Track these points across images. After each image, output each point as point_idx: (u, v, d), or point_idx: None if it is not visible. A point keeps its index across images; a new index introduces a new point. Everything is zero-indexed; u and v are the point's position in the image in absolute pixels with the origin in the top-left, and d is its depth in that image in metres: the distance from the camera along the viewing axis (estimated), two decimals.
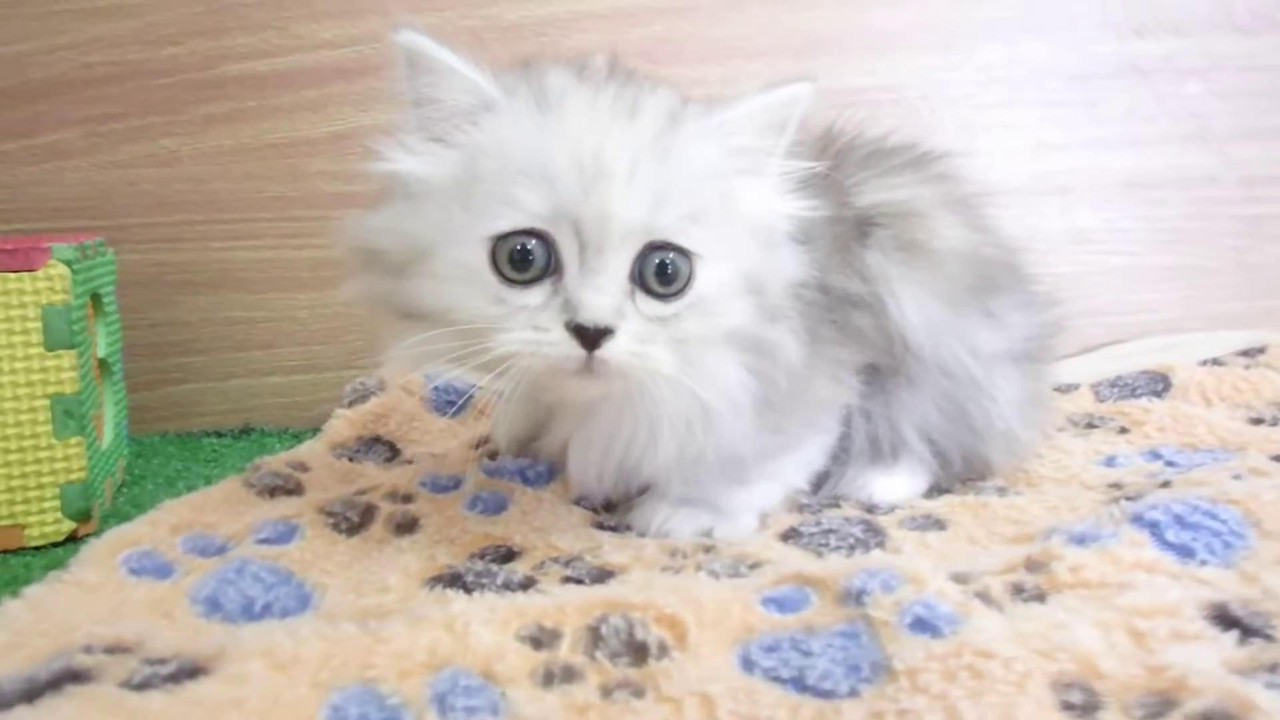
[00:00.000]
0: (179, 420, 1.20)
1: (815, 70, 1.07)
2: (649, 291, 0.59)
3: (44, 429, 0.82)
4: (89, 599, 0.58)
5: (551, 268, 0.58)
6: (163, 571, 0.62)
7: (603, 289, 0.57)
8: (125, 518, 0.83)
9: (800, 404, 0.68)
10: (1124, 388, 1.03)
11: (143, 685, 0.45)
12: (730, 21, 1.15)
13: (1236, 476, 0.71)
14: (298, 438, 1.11)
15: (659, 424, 0.63)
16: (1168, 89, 1.17)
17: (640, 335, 0.58)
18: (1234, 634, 0.49)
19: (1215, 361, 1.07)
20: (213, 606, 0.58)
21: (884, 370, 0.75)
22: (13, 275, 0.80)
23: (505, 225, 0.57)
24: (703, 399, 0.61)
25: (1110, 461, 0.83)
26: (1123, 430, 0.91)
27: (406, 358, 0.63)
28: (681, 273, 0.59)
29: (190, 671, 0.47)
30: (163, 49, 1.15)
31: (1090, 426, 0.94)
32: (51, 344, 0.82)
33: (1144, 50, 1.16)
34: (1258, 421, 0.91)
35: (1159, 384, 1.02)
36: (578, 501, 0.77)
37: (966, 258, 0.77)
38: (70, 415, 0.83)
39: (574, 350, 0.56)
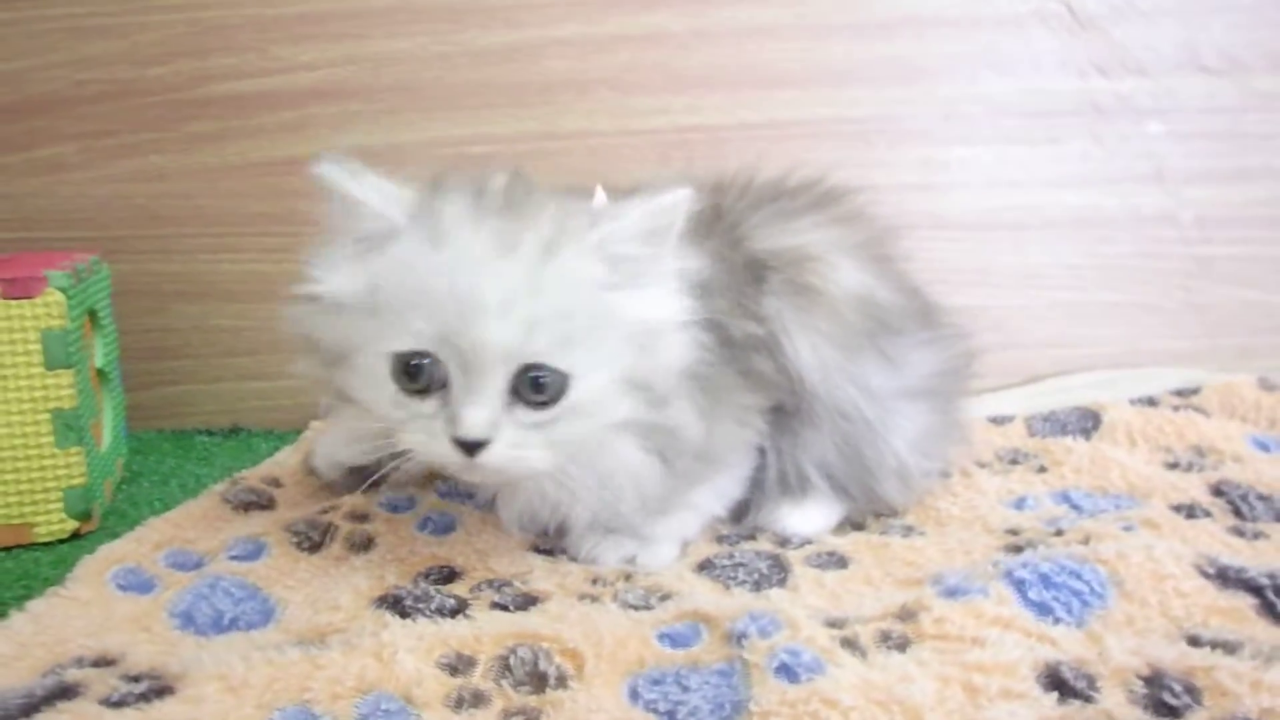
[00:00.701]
0: (173, 419, 1.31)
1: (777, 102, 1.18)
2: (526, 402, 0.67)
3: (46, 440, 0.94)
4: (82, 613, 0.68)
5: (441, 383, 0.67)
6: (145, 587, 0.73)
7: (480, 405, 0.66)
8: (123, 515, 0.99)
9: (707, 447, 0.75)
10: (1055, 423, 1.10)
11: (119, 703, 0.56)
12: (696, 51, 1.21)
13: (1128, 527, 0.79)
14: (282, 438, 1.23)
15: (572, 493, 0.75)
16: (1128, 128, 1.22)
17: (515, 442, 0.67)
18: (1055, 695, 0.56)
19: (1149, 401, 1.14)
20: (187, 620, 0.69)
21: (788, 409, 0.81)
22: (14, 302, 0.91)
23: (400, 346, 0.66)
24: (577, 486, 0.73)
25: (1020, 504, 0.89)
26: (1041, 469, 0.97)
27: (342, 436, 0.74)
28: (553, 386, 0.67)
29: (159, 690, 0.57)
30: (150, 68, 1.24)
31: (1013, 463, 1.00)
32: (51, 364, 0.93)
33: (1105, 88, 1.21)
34: (1173, 466, 0.97)
35: (1089, 421, 1.09)
36: None
37: (861, 302, 0.82)
38: (70, 427, 0.94)
39: (457, 456, 0.66)
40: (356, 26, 1.23)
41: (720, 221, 0.82)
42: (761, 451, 0.83)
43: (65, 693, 0.57)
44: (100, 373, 1.09)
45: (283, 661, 0.60)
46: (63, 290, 0.93)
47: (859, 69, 1.22)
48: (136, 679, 0.59)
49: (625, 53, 1.22)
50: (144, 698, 0.56)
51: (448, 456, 0.67)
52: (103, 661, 0.62)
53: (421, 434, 0.67)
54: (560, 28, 1.22)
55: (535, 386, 0.66)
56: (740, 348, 0.77)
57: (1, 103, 1.26)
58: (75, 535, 0.96)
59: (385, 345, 0.67)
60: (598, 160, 1.24)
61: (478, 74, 1.23)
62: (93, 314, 1.05)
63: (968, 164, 1.24)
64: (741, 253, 0.81)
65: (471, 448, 0.66)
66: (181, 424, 1.31)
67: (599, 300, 0.68)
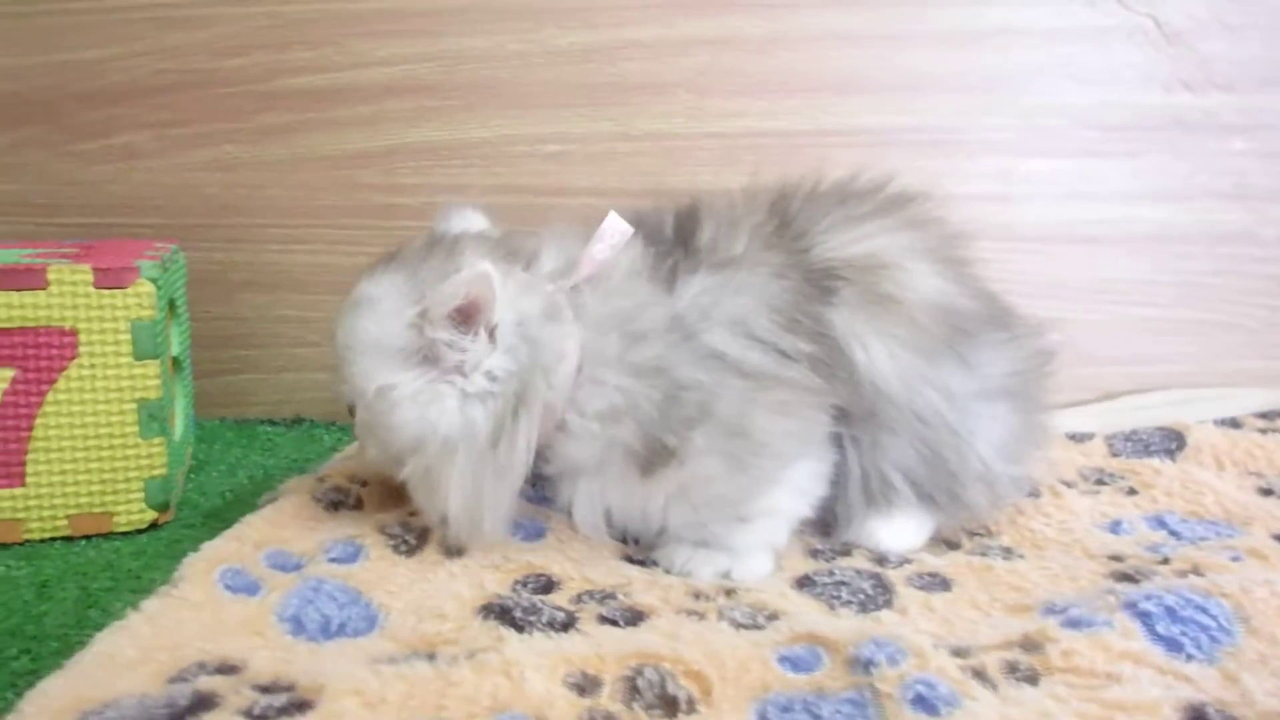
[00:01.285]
0: (237, 408, 1.31)
1: (853, 109, 1.17)
2: None
3: (131, 430, 0.93)
4: (195, 615, 0.67)
5: None
6: (252, 589, 0.72)
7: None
8: (195, 505, 1.00)
9: (759, 438, 0.76)
10: (1138, 443, 1.08)
11: (261, 717, 0.55)
12: (774, 56, 1.20)
13: (1235, 558, 0.78)
14: (344, 430, 1.23)
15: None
16: (1211, 144, 1.20)
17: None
18: None
19: (1232, 422, 1.12)
20: (297, 626, 0.68)
21: (859, 415, 0.80)
22: (105, 292, 0.90)
23: None
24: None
25: (1115, 527, 0.88)
26: (1131, 491, 0.96)
27: None
28: None
29: (299, 705, 0.56)
30: (228, 60, 1.24)
31: (1100, 483, 0.99)
32: (139, 354, 0.92)
33: (1190, 103, 1.19)
34: (1267, 493, 0.95)
35: (1173, 442, 1.07)
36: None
37: (939, 308, 0.81)
38: (154, 418, 0.94)
39: None
40: (433, 24, 1.22)
41: (787, 230, 0.82)
42: (840, 450, 0.82)
43: (204, 703, 0.56)
44: (175, 360, 1.07)
45: (415, 677, 0.58)
46: (153, 280, 0.92)
47: (938, 77, 1.20)
48: (269, 689, 0.58)
49: (702, 56, 1.21)
50: (285, 711, 0.55)
51: None
52: (226, 668, 0.61)
53: None
54: (637, 29, 1.20)
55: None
56: (778, 362, 0.76)
57: (79, 90, 1.25)
58: (152, 525, 0.95)
59: None
60: (671, 162, 1.23)
61: (553, 73, 1.22)
62: (171, 302, 1.04)
63: (1045, 176, 1.22)
64: (806, 264, 0.80)
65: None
66: (245, 413, 1.31)
67: None
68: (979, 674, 0.61)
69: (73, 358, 0.90)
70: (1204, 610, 0.66)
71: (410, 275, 0.78)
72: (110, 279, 0.90)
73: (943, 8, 1.19)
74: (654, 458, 0.75)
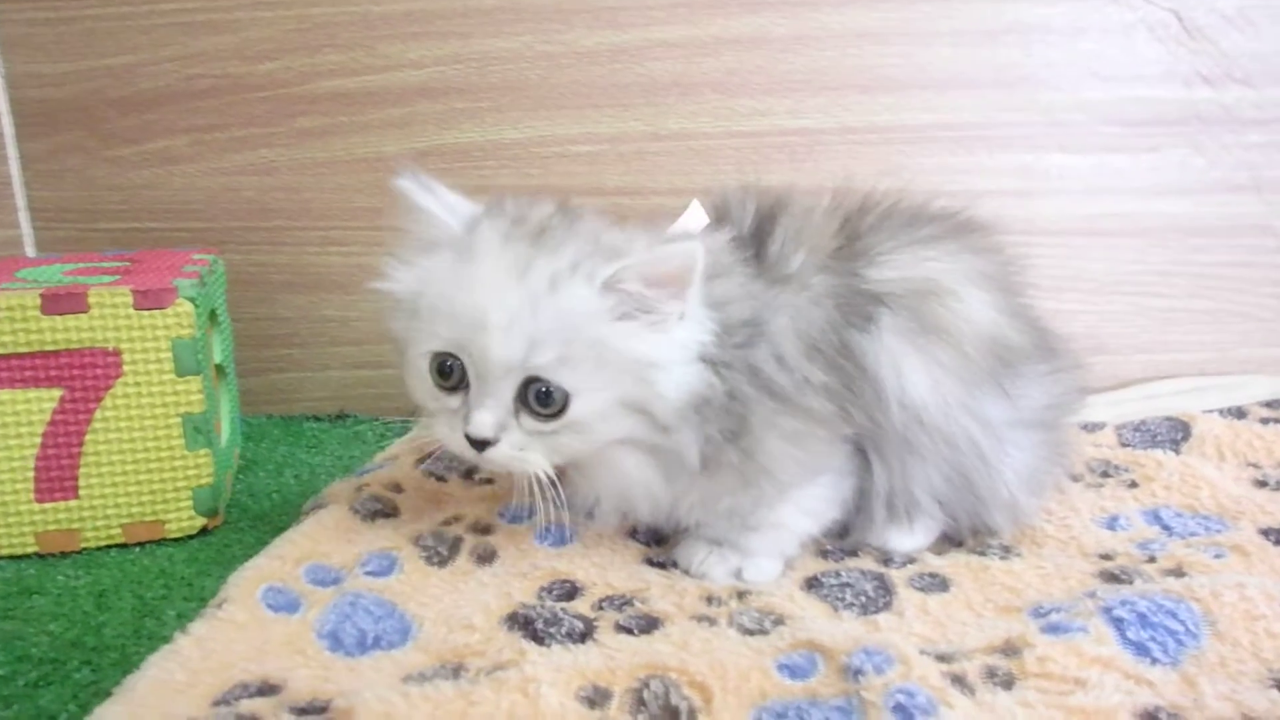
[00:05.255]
0: (283, 405, 1.41)
1: (878, 106, 1.23)
2: (532, 411, 0.77)
3: (177, 442, 1.01)
4: (240, 636, 0.76)
5: (465, 384, 0.78)
6: (292, 606, 0.80)
7: (488, 409, 0.76)
8: (245, 508, 1.09)
9: (764, 464, 0.82)
10: (1146, 433, 1.15)
11: None
12: (799, 55, 1.25)
13: (1219, 555, 0.86)
14: (388, 426, 1.34)
15: (625, 485, 0.85)
16: (1229, 138, 1.25)
17: (518, 444, 0.78)
18: None
19: (1238, 412, 1.18)
20: (335, 642, 0.76)
21: (880, 439, 0.85)
22: (146, 313, 0.98)
23: (434, 347, 0.78)
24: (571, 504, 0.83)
25: (1112, 523, 0.95)
26: (1132, 484, 1.03)
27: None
28: (556, 400, 0.76)
29: None
30: (260, 64, 1.31)
31: (1105, 475, 1.06)
32: (181, 371, 1.00)
33: (1210, 98, 1.24)
34: (1261, 485, 1.02)
35: (1178, 432, 1.14)
36: (632, 534, 0.95)
37: (988, 340, 0.85)
38: (199, 430, 1.02)
39: (469, 450, 0.78)
40: (463, 25, 1.28)
41: (852, 247, 0.86)
42: (864, 474, 0.88)
43: None
44: (218, 368, 1.16)
45: (439, 698, 0.66)
46: (191, 300, 1.00)
47: (961, 75, 1.26)
48: (305, 711, 0.66)
49: (729, 55, 1.27)
50: None
51: (462, 449, 0.78)
52: (267, 689, 0.69)
53: (445, 427, 0.79)
54: (664, 29, 1.26)
55: (539, 398, 0.76)
56: (797, 389, 0.81)
57: (115, 96, 1.33)
58: (203, 530, 1.04)
59: (424, 344, 0.78)
60: (700, 161, 1.29)
61: (582, 74, 1.28)
62: (212, 313, 1.12)
63: (1066, 171, 1.27)
64: (856, 287, 0.84)
65: (480, 445, 0.77)
66: (290, 410, 1.40)
67: (599, 330, 0.76)
68: (959, 680, 0.68)
69: (117, 376, 0.98)
70: (1174, 615, 0.73)
71: (590, 237, 0.79)
72: (150, 300, 0.98)
73: (965, 5, 1.24)
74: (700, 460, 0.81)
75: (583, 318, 0.75)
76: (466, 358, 0.76)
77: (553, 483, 0.80)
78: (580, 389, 0.76)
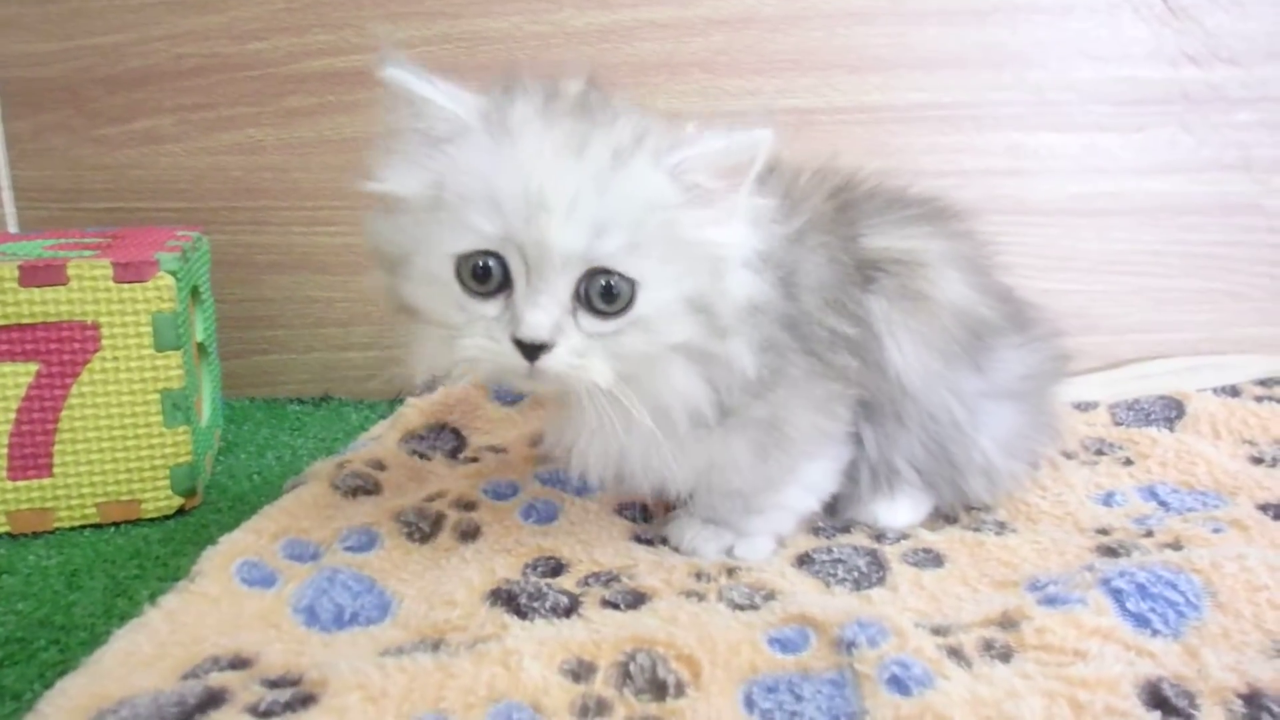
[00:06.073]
0: (266, 387, 1.36)
1: (867, 86, 1.19)
2: (593, 309, 0.66)
3: (155, 419, 0.97)
4: (213, 609, 0.72)
5: (505, 285, 0.67)
6: (268, 581, 0.76)
7: (543, 308, 0.65)
8: (224, 489, 1.04)
9: (789, 434, 0.78)
10: (1139, 412, 1.12)
11: (267, 713, 0.59)
12: (787, 34, 1.22)
13: (1217, 529, 0.82)
14: (372, 408, 1.29)
15: (631, 437, 0.75)
16: (1217, 117, 1.22)
17: (578, 349, 0.67)
18: (1158, 714, 0.58)
19: (1232, 390, 1.15)
20: (311, 616, 0.72)
21: (877, 405, 0.83)
22: (125, 286, 0.94)
23: (465, 246, 0.66)
24: (639, 411, 0.70)
25: (1108, 499, 0.92)
26: (1128, 462, 1.00)
27: (409, 357, 0.75)
28: (623, 294, 0.66)
29: (303, 699, 0.60)
30: (248, 44, 1.27)
31: (1099, 453, 1.03)
32: (161, 346, 0.96)
33: (1197, 77, 1.21)
34: (1258, 461, 0.99)
35: (1173, 410, 1.11)
36: (620, 511, 0.91)
37: (963, 314, 0.84)
38: (178, 407, 0.98)
39: (518, 361, 0.66)
40: (452, 6, 1.25)
41: (843, 216, 0.84)
42: (857, 443, 0.85)
43: (214, 700, 0.60)
44: (200, 346, 1.12)
45: (416, 670, 0.62)
46: (173, 273, 0.96)
47: (949, 54, 1.23)
48: (276, 684, 0.62)
49: (717, 35, 1.23)
50: (289, 707, 0.59)
51: (508, 360, 0.67)
52: (239, 663, 0.65)
53: (482, 337, 0.67)
54: (653, 10, 1.23)
55: (604, 293, 0.66)
56: (830, 341, 0.78)
57: (101, 75, 1.29)
58: (180, 511, 1.00)
59: (448, 245, 0.66)
60: None
61: (571, 54, 1.25)
62: (194, 290, 1.08)
63: (1056, 150, 1.25)
64: (854, 252, 0.82)
65: (533, 351, 0.66)
66: (274, 392, 1.36)
67: (669, 216, 0.67)
68: (955, 652, 0.65)
69: (95, 351, 0.94)
70: (1173, 586, 0.70)
71: (640, 114, 0.71)
72: (130, 273, 0.94)
73: None
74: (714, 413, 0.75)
75: (653, 199, 0.66)
76: (513, 251, 0.65)
77: (613, 398, 0.70)
78: (649, 281, 0.66)
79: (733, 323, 0.70)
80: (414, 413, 1.11)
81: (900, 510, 0.89)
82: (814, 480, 0.85)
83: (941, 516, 0.90)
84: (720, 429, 0.76)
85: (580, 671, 0.64)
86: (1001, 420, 0.87)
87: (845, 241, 0.82)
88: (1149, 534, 0.83)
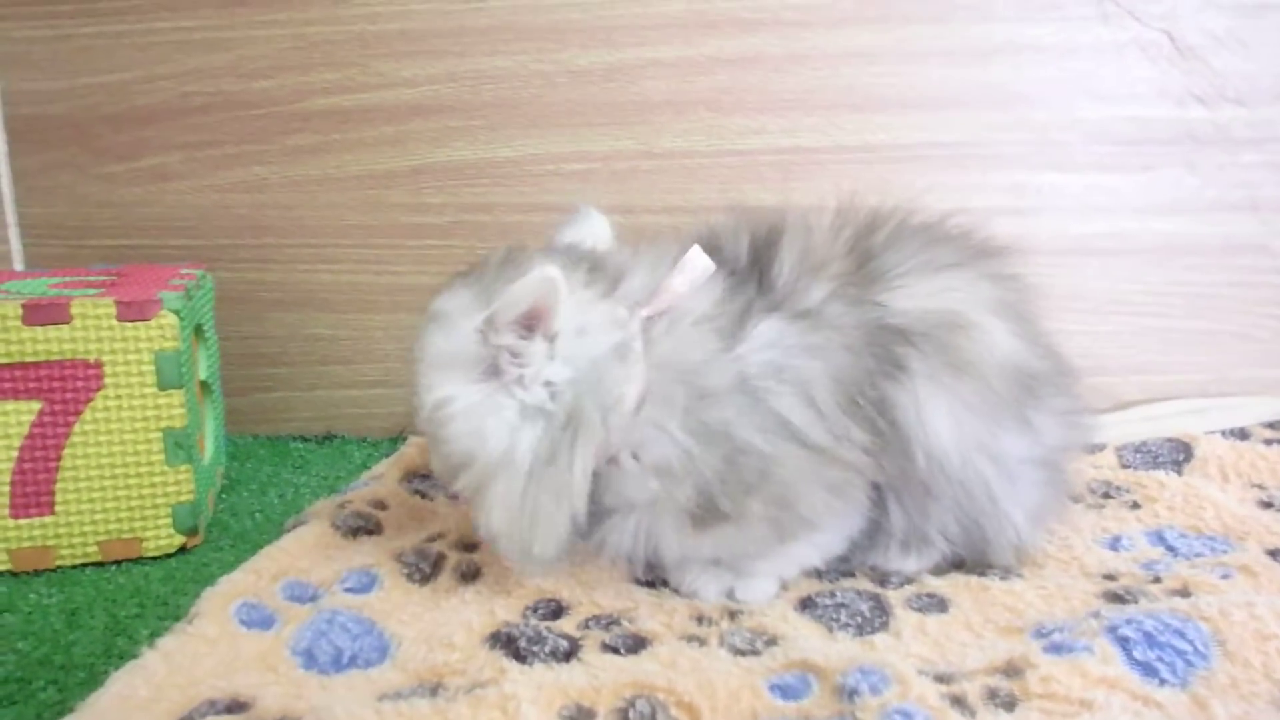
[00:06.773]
0: (269, 424, 1.36)
1: (872, 125, 1.19)
2: None
3: (157, 458, 0.97)
4: (210, 651, 0.71)
5: None
6: (267, 622, 0.76)
7: None
8: (225, 527, 1.03)
9: (803, 512, 0.78)
10: (1147, 455, 1.11)
11: None
12: (792, 74, 1.22)
13: (1226, 575, 0.80)
14: (375, 446, 1.28)
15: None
16: (1223, 158, 1.21)
17: None
18: None
19: (1240, 433, 1.14)
20: (309, 659, 0.71)
21: (909, 484, 0.81)
22: (129, 324, 0.94)
23: None
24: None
25: (1115, 543, 0.90)
26: (1135, 505, 0.98)
27: None
28: None
29: None
30: (254, 82, 1.28)
31: (1106, 496, 1.01)
32: (163, 384, 0.96)
33: (1203, 118, 1.20)
34: (1267, 505, 0.97)
35: (1180, 453, 1.09)
36: None
37: (1012, 370, 0.81)
38: (180, 446, 0.97)
39: None
40: (457, 44, 1.25)
41: (866, 268, 0.81)
42: (881, 511, 0.84)
43: None
44: (203, 384, 1.12)
45: (414, 714, 0.62)
46: (176, 312, 0.96)
47: (954, 94, 1.22)
48: None
49: (723, 74, 1.23)
50: None
51: None
52: (235, 706, 0.64)
53: None
54: (659, 49, 1.23)
55: None
56: (839, 440, 0.77)
57: (109, 113, 1.30)
58: (181, 549, 0.99)
59: None
60: (694, 180, 1.25)
61: (576, 93, 1.25)
62: (198, 328, 1.08)
63: (1060, 190, 1.24)
64: (880, 321, 0.79)
65: None
66: (277, 430, 1.36)
67: None
68: (958, 701, 0.64)
69: (98, 389, 0.94)
70: (1181, 635, 0.68)
71: (482, 290, 0.77)
72: (133, 312, 0.94)
73: (957, 26, 1.21)
74: (707, 516, 0.77)
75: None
76: None
77: None
78: None
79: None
80: (416, 451, 1.10)
81: (910, 558, 0.87)
82: (824, 541, 0.84)
83: (946, 562, 0.88)
84: (735, 523, 0.78)
85: (579, 717, 0.63)
86: (1035, 489, 0.85)
87: (866, 310, 0.79)
88: (1156, 580, 0.82)
